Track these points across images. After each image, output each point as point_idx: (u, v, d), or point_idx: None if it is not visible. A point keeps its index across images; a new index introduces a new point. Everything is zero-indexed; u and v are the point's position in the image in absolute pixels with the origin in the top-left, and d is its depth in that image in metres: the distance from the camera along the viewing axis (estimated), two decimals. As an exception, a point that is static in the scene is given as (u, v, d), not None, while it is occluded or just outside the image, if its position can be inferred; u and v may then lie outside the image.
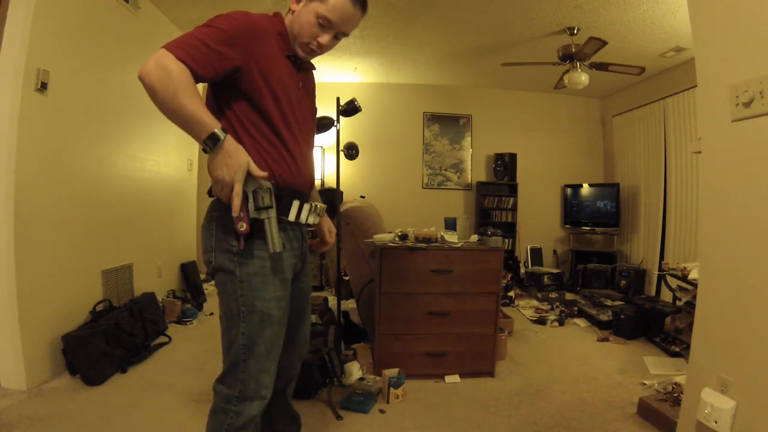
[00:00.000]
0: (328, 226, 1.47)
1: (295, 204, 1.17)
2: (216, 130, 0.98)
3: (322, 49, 1.22)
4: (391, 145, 5.53)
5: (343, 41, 1.34)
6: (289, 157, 1.17)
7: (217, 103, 1.13)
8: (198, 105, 0.98)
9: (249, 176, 1.03)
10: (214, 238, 1.14)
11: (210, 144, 0.98)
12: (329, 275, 5.08)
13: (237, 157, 1.01)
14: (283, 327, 1.19)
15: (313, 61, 1.32)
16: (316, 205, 1.24)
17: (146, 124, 3.31)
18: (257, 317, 1.12)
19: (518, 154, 5.46)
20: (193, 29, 1.03)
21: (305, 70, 1.29)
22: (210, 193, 1.18)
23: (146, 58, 0.95)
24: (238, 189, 1.01)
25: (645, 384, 2.36)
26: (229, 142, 1.00)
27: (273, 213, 1.06)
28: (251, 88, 1.10)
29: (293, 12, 1.20)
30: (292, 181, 1.17)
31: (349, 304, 3.97)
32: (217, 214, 1.13)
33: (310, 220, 1.23)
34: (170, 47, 0.97)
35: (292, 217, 1.17)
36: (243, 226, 1.05)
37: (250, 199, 1.04)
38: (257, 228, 1.07)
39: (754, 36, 1.16)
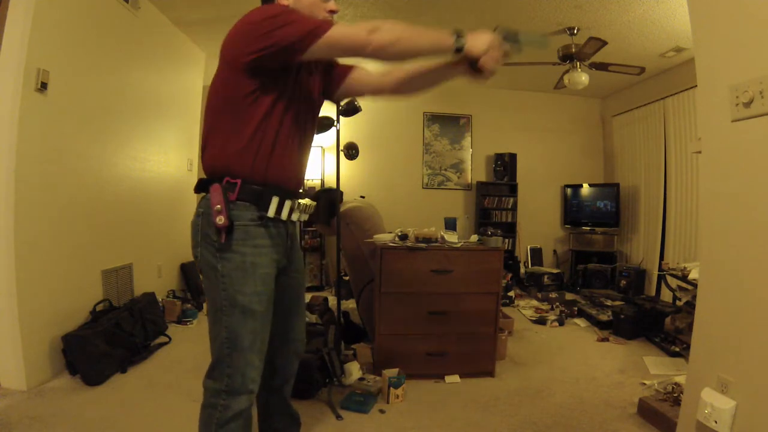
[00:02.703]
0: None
1: (275, 200, 1.18)
2: (451, 32, 1.08)
3: (333, 15, 1.27)
4: (391, 145, 5.53)
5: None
6: (277, 152, 1.17)
7: (227, 84, 1.13)
8: (424, 29, 1.08)
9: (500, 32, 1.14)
10: (200, 233, 1.16)
11: (455, 39, 1.07)
12: (329, 275, 5.08)
13: (475, 33, 1.10)
14: (267, 322, 1.20)
15: None
16: (298, 203, 1.25)
17: (146, 124, 3.31)
18: (239, 311, 1.14)
19: (518, 154, 5.46)
20: (284, 18, 1.06)
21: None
22: (197, 189, 1.19)
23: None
24: (495, 41, 1.10)
25: (645, 384, 2.36)
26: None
27: (521, 33, 1.14)
28: (270, 82, 1.12)
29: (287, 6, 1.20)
30: (274, 176, 1.18)
31: (349, 304, 3.97)
32: (203, 210, 1.15)
33: (293, 217, 1.24)
34: (327, 27, 1.07)
35: (271, 212, 1.18)
36: (221, 220, 1.09)
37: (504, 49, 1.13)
38: (235, 223, 1.12)
39: (754, 36, 1.16)
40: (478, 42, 1.08)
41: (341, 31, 1.06)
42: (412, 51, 1.08)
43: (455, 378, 2.45)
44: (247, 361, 1.15)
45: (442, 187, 5.64)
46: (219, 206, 1.09)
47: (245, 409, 1.16)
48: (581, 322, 3.72)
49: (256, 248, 1.16)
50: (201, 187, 1.18)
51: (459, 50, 1.08)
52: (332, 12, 1.25)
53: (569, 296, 4.62)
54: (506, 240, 5.20)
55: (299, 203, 1.25)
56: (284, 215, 1.20)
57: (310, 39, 1.05)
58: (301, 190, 1.32)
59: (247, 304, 1.14)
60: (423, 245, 2.42)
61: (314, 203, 1.32)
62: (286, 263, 1.30)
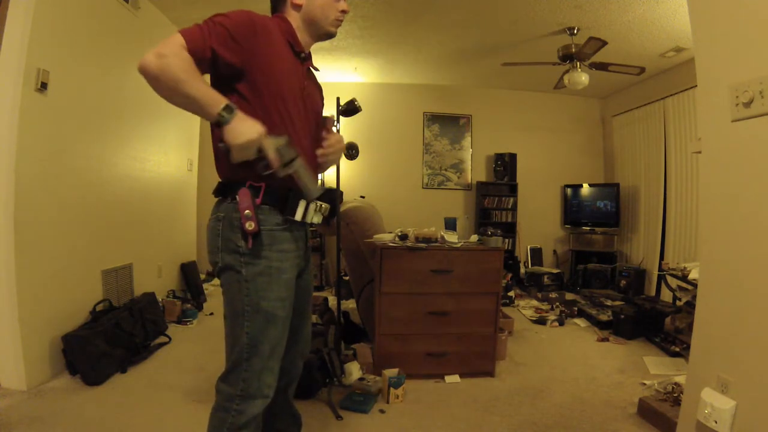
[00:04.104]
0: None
1: (302, 204, 1.18)
2: (229, 102, 1.01)
3: (344, 15, 1.28)
4: (391, 145, 5.53)
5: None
6: (300, 155, 1.17)
7: None
8: (203, 85, 1.00)
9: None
10: (220, 238, 1.14)
11: (226, 114, 0.99)
12: (329, 275, 5.08)
13: (250, 119, 1.03)
14: (286, 327, 1.20)
15: (312, 61, 1.33)
16: (321, 205, 1.25)
17: (146, 124, 3.31)
18: (262, 317, 1.13)
19: (518, 154, 5.46)
20: (193, 25, 1.04)
21: (308, 66, 1.30)
22: (216, 192, 1.18)
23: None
24: (268, 143, 1.03)
25: (645, 384, 2.36)
26: (241, 111, 1.03)
27: (299, 160, 1.08)
28: (254, 87, 1.11)
29: (299, 6, 1.21)
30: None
31: (349, 304, 3.97)
32: (224, 215, 1.14)
33: (315, 220, 1.24)
34: (170, 38, 0.99)
35: (298, 217, 1.17)
36: (251, 225, 1.07)
37: (273, 158, 1.04)
38: (262, 229, 1.10)
39: (754, 36, 1.16)
40: (238, 133, 0.99)
41: (171, 37, 1.01)
42: (179, 93, 0.97)
43: (455, 378, 2.45)
44: (266, 366, 1.14)
45: (442, 187, 5.64)
46: (248, 211, 1.07)
47: (258, 414, 1.15)
48: (581, 322, 3.72)
49: (281, 253, 1.15)
50: (222, 190, 1.17)
51: (218, 124, 1.00)
52: (344, 12, 1.26)
53: (569, 296, 4.62)
54: (506, 240, 5.20)
55: (320, 205, 1.24)
56: (309, 218, 1.20)
57: None
58: None
59: (271, 310, 1.13)
60: (423, 245, 2.42)
61: (329, 205, 1.31)
62: (303, 266, 1.30)
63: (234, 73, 1.09)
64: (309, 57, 1.28)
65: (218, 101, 0.99)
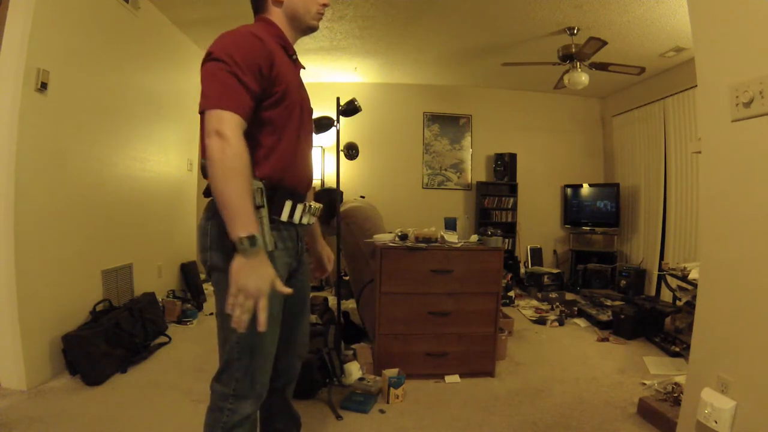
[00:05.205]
0: (327, 254, 1.51)
1: (288, 204, 1.17)
2: (256, 234, 0.95)
3: (325, 8, 1.28)
4: (391, 145, 5.53)
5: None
6: (287, 155, 1.17)
7: None
8: (246, 197, 0.97)
9: None
10: (209, 237, 1.14)
11: (247, 244, 0.94)
12: (329, 275, 5.07)
13: (268, 267, 0.99)
14: (277, 325, 1.20)
15: (312, 61, 1.33)
16: (310, 206, 1.24)
17: (146, 124, 3.31)
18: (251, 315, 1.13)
19: (518, 154, 5.47)
20: (217, 71, 1.00)
21: (299, 67, 1.30)
22: (206, 193, 1.18)
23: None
24: (264, 304, 0.97)
25: (645, 384, 2.36)
26: (264, 250, 0.98)
27: (264, 212, 1.07)
28: (276, 103, 1.12)
29: (280, 3, 1.21)
30: (287, 180, 1.18)
31: (349, 304, 3.97)
32: (212, 215, 1.14)
33: (304, 221, 1.23)
34: (221, 104, 0.97)
35: (284, 216, 1.17)
36: None
37: None
38: None
39: (754, 36, 1.16)
40: (246, 272, 0.94)
41: (215, 112, 0.98)
42: (220, 186, 0.94)
43: (455, 378, 2.45)
44: (257, 365, 1.14)
45: (442, 187, 5.64)
46: None
47: (252, 413, 1.16)
48: (581, 322, 3.72)
49: (268, 252, 1.15)
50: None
51: (234, 247, 0.95)
52: (324, 5, 1.26)
53: (569, 296, 4.62)
54: (506, 240, 5.20)
55: (310, 206, 1.24)
56: (296, 219, 1.20)
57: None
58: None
59: None
60: (423, 245, 2.42)
61: (321, 205, 1.31)
62: (296, 266, 1.29)
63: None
64: (297, 57, 1.29)
65: (249, 225, 0.95)
